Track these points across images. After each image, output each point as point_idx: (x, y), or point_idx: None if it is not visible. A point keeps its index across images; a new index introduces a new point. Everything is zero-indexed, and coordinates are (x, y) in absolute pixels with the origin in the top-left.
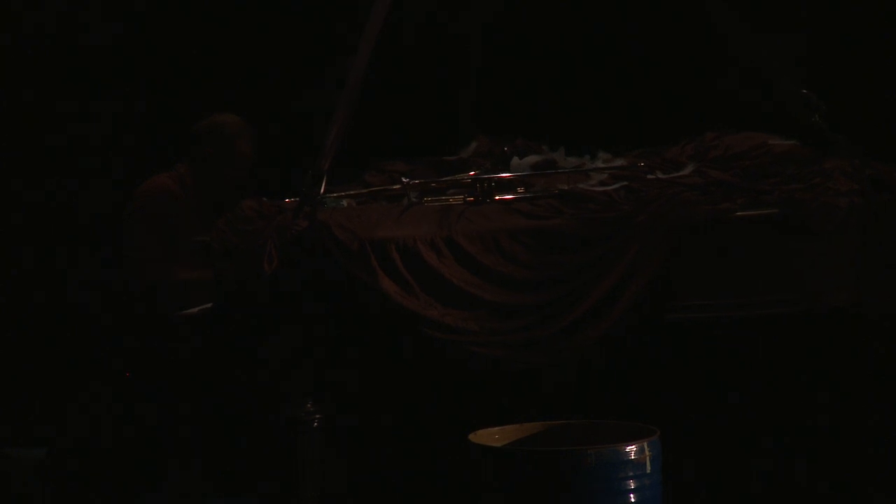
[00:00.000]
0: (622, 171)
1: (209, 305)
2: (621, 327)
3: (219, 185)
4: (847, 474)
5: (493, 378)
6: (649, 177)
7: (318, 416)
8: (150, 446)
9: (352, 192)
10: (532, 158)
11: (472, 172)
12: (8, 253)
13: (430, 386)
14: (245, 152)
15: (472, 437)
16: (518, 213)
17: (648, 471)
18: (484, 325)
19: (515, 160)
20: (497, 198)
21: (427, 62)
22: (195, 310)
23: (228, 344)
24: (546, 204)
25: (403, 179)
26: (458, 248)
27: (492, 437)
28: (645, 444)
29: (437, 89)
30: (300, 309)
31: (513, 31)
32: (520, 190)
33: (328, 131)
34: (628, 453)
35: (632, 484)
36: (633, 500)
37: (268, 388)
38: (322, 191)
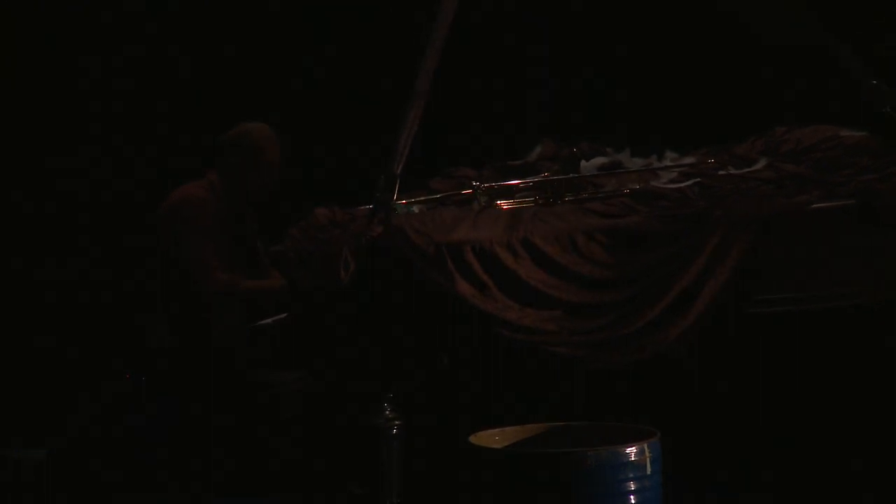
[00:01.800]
0: (692, 168)
1: (283, 315)
2: (702, 323)
3: (245, 192)
4: (848, 475)
5: (493, 379)
6: (720, 173)
7: (397, 422)
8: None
9: (422, 199)
10: (599, 160)
11: (543, 174)
12: (8, 253)
13: (430, 386)
14: (271, 160)
15: (472, 438)
16: (592, 212)
17: (649, 472)
18: (563, 326)
19: (583, 162)
20: (567, 199)
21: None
22: (270, 320)
23: (305, 352)
24: (619, 203)
25: (474, 183)
26: (535, 248)
27: (492, 438)
28: (645, 446)
29: (502, 94)
30: (378, 314)
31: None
32: (590, 190)
33: (399, 135)
34: (628, 455)
35: (632, 485)
36: (633, 501)
37: (346, 394)
38: (395, 196)
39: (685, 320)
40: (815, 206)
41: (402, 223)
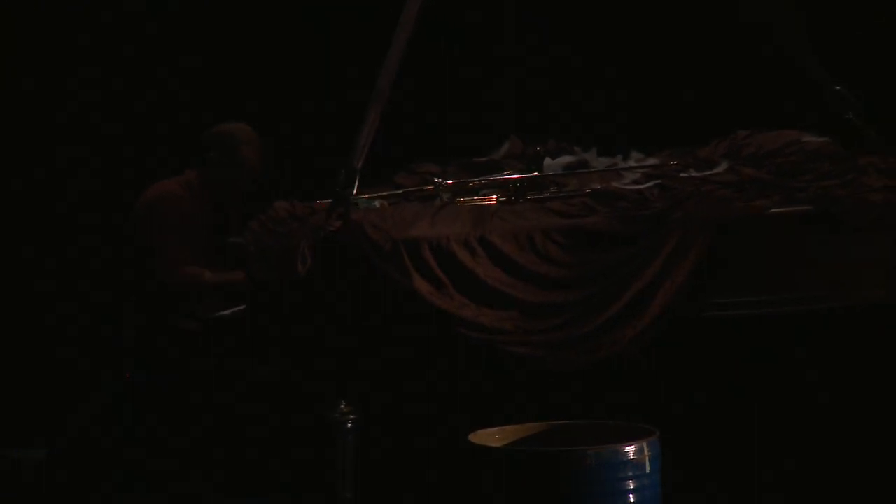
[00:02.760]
0: (654, 169)
1: (242, 307)
2: (658, 325)
3: (224, 191)
4: (848, 475)
5: (493, 378)
6: (682, 175)
7: (352, 417)
8: (165, 446)
9: (384, 193)
10: (564, 159)
11: (506, 172)
12: (8, 252)
13: (429, 386)
14: (251, 160)
15: (472, 437)
16: (552, 211)
17: (648, 471)
18: (518, 325)
19: (548, 160)
20: (530, 197)
21: (457, 62)
22: (227, 312)
23: (261, 345)
24: (579, 202)
25: (436, 180)
26: (492, 247)
27: (492, 437)
28: (644, 445)
29: (468, 91)
30: (334, 309)
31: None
32: (553, 189)
33: (360, 131)
34: (628, 453)
35: (631, 484)
36: (632, 500)
37: (301, 389)
38: (355, 191)
39: (641, 321)
40: (773, 210)
41: (361, 218)
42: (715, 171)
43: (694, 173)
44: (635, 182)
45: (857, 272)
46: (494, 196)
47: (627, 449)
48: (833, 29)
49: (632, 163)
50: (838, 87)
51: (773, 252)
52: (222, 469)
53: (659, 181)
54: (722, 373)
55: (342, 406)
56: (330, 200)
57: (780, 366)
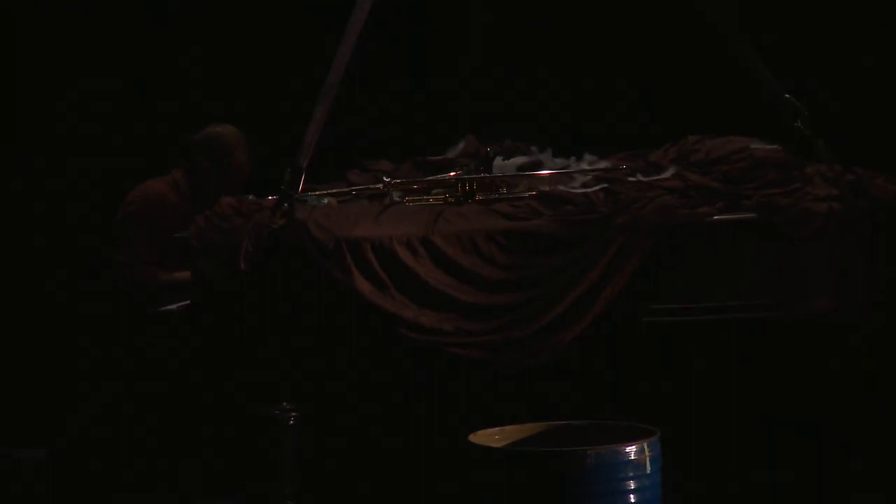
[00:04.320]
0: (605, 173)
1: (187, 302)
2: (596, 329)
3: (215, 193)
4: (842, 475)
5: (493, 378)
6: (630, 179)
7: (293, 413)
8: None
9: (333, 191)
10: (519, 159)
11: (454, 173)
12: (8, 252)
13: (430, 386)
14: (242, 163)
15: (472, 437)
16: (497, 214)
17: (648, 471)
18: (459, 326)
19: (499, 161)
20: (479, 198)
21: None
22: (174, 306)
23: (205, 340)
24: (525, 205)
25: (385, 179)
26: (435, 248)
27: (492, 437)
28: (645, 445)
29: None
30: (276, 306)
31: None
32: (502, 191)
33: (307, 129)
34: (628, 454)
35: (632, 484)
36: (632, 500)
37: (243, 385)
38: (301, 189)
39: (580, 325)
40: (717, 217)
41: (306, 216)
42: (662, 175)
43: (641, 178)
44: (584, 185)
45: (800, 281)
46: (443, 196)
47: (627, 449)
48: (783, 36)
49: (584, 165)
50: (787, 96)
51: (716, 259)
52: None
53: (606, 185)
54: (722, 373)
55: (284, 403)
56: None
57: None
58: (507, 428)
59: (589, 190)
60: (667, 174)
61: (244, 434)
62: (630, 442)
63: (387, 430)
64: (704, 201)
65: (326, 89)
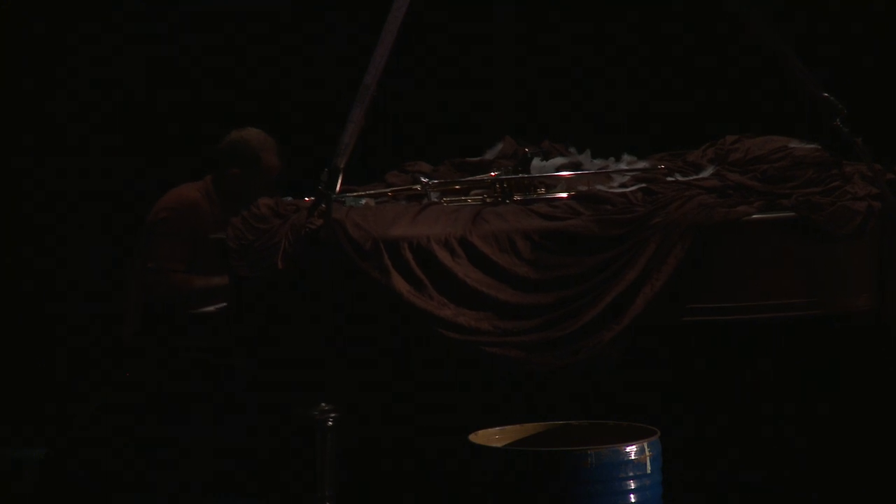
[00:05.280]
0: (643, 173)
1: (224, 304)
2: (636, 329)
3: (248, 197)
4: (846, 476)
5: (493, 378)
6: (669, 179)
7: (332, 415)
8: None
9: (371, 192)
10: (557, 160)
11: (492, 173)
12: (9, 252)
13: (430, 386)
14: (271, 164)
15: (472, 437)
16: (535, 214)
17: (648, 471)
18: (497, 326)
19: (537, 162)
20: (517, 198)
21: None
22: (212, 308)
23: (243, 342)
24: (563, 205)
25: (423, 179)
26: (473, 248)
27: (492, 437)
28: (645, 445)
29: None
30: (314, 306)
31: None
32: (541, 191)
33: (344, 129)
34: (628, 453)
35: (632, 484)
36: (633, 500)
37: (281, 386)
38: (338, 189)
39: (619, 325)
40: (754, 217)
41: (343, 217)
42: (701, 175)
43: (680, 178)
44: (623, 186)
45: (839, 279)
46: (481, 197)
47: (627, 449)
48: (822, 36)
49: (623, 165)
50: (826, 94)
51: (753, 258)
52: (207, 469)
53: (644, 185)
54: (723, 374)
55: (322, 404)
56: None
57: (772, 370)
58: (507, 428)
59: (627, 189)
60: (705, 174)
61: (283, 435)
62: (630, 442)
63: (389, 428)
64: (743, 200)
65: (363, 90)
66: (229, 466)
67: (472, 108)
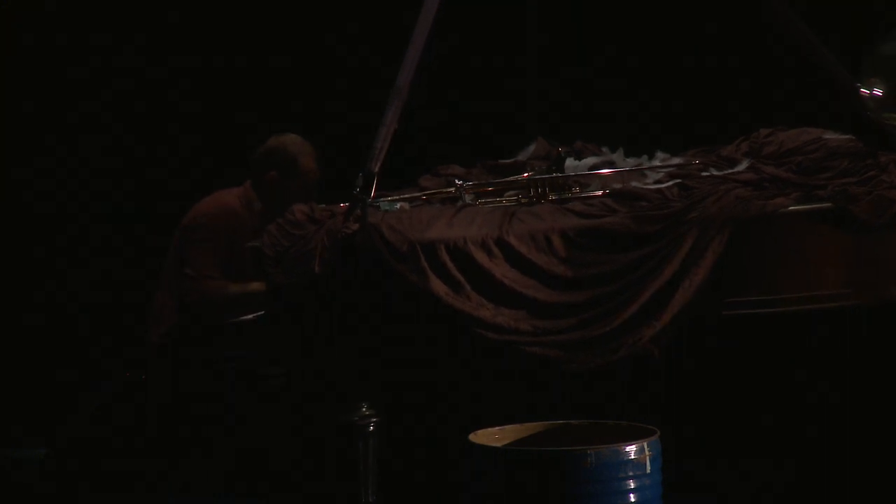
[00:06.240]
0: (678, 169)
1: (261, 312)
2: (677, 325)
3: (288, 203)
4: (847, 476)
5: (492, 378)
6: (703, 174)
7: (374, 419)
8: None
9: (406, 196)
10: (590, 160)
11: (526, 174)
12: (12, 252)
13: (429, 386)
14: (309, 168)
15: (472, 437)
16: (570, 212)
17: (648, 471)
18: (535, 326)
19: (570, 161)
20: (551, 198)
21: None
22: (250, 316)
23: (281, 348)
24: (599, 203)
25: (457, 182)
26: (509, 248)
27: (492, 437)
28: (645, 444)
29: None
30: (352, 312)
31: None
32: (575, 190)
33: (377, 134)
34: (628, 453)
35: (632, 484)
36: (633, 500)
37: (321, 392)
38: (373, 193)
39: (659, 322)
40: (791, 208)
41: (378, 220)
42: (736, 169)
43: (715, 172)
44: (657, 182)
45: (877, 269)
46: (516, 197)
47: (627, 449)
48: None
49: (656, 163)
50: (859, 85)
51: (790, 250)
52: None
53: (679, 181)
54: (724, 372)
55: (363, 409)
56: (349, 204)
57: (795, 364)
58: (508, 427)
59: (663, 186)
60: (740, 167)
61: (325, 440)
62: (630, 441)
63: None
64: (779, 192)
65: (395, 93)
66: (263, 473)
67: (501, 110)
